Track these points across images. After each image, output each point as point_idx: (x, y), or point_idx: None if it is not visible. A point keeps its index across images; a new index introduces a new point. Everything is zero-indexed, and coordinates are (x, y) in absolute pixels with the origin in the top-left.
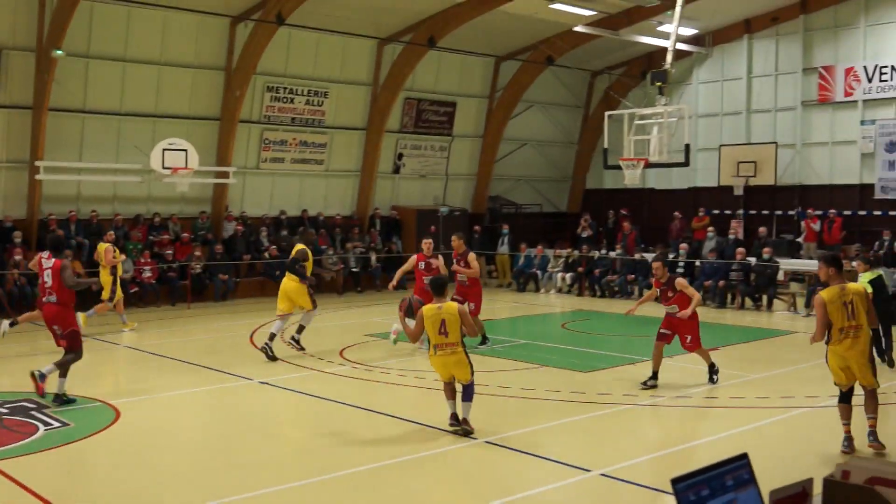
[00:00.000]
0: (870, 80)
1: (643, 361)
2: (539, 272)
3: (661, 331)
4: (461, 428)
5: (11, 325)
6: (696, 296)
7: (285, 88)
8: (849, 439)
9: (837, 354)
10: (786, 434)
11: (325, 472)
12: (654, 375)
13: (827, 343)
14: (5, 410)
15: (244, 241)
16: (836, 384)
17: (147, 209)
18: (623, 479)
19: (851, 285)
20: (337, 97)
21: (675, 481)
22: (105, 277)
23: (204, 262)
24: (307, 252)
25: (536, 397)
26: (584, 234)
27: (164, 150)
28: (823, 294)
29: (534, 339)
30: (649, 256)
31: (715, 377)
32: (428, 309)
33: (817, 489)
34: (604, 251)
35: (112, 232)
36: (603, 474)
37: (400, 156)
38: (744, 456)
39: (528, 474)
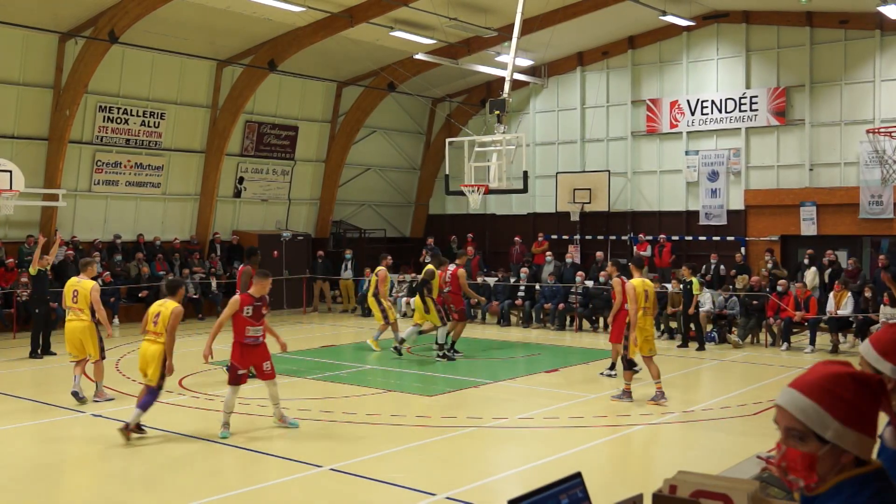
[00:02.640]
0: (692, 113)
1: (487, 384)
2: None
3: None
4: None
5: None
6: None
7: (119, 109)
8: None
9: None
10: (621, 451)
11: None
12: (613, 366)
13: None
14: None
15: (75, 266)
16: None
17: None
18: (467, 502)
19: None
20: (174, 119)
21: (512, 502)
22: None
23: (31, 289)
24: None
25: (382, 423)
26: (427, 260)
27: None
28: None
29: (379, 365)
30: (491, 280)
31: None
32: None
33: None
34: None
35: None
36: (448, 497)
37: (241, 179)
38: (577, 475)
39: (374, 500)
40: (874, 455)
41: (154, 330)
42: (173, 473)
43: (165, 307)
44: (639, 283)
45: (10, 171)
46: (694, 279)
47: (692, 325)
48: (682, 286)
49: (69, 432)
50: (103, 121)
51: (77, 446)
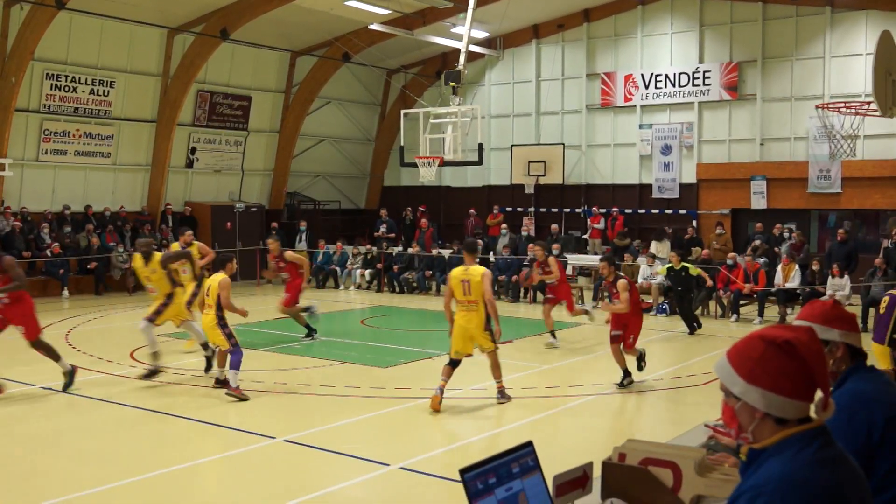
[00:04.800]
0: (647, 87)
1: (440, 356)
2: (338, 269)
3: (613, 332)
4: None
5: None
6: (626, 300)
7: (67, 76)
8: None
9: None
10: (572, 421)
11: (119, 479)
12: (627, 373)
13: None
14: None
15: (23, 238)
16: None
17: None
18: (421, 472)
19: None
20: (124, 88)
21: (463, 471)
22: None
23: None
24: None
25: (336, 394)
26: (381, 231)
27: None
28: None
29: (333, 336)
30: (446, 252)
31: (643, 363)
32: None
33: (597, 472)
34: (401, 248)
35: None
36: (402, 467)
37: (193, 150)
38: (528, 444)
39: (327, 471)
40: None
41: (207, 303)
42: (122, 444)
43: (214, 280)
44: (458, 271)
45: None
46: (688, 265)
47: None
48: (674, 274)
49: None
50: (51, 88)
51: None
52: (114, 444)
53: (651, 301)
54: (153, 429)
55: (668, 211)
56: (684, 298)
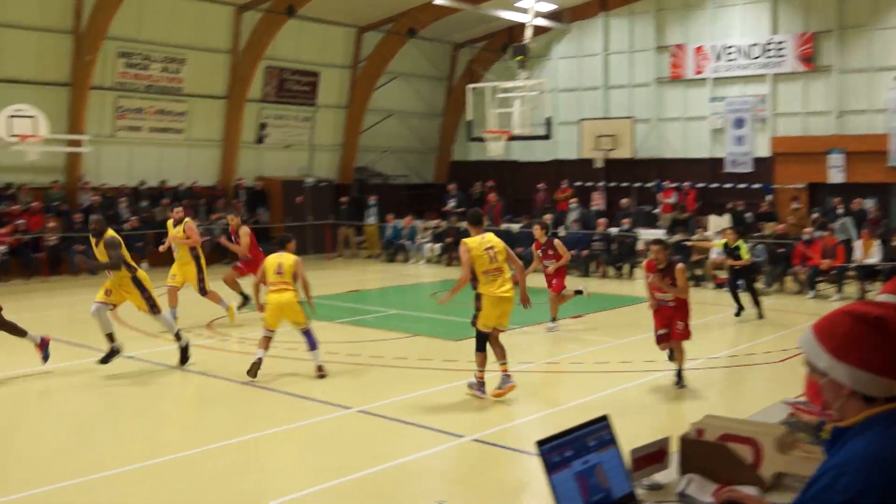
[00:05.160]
0: (718, 59)
1: (512, 329)
2: (408, 243)
3: (659, 332)
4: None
5: None
6: (686, 286)
7: (139, 54)
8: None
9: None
10: (647, 396)
11: (199, 445)
12: (679, 375)
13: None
14: None
15: (102, 212)
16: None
17: None
18: (494, 444)
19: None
20: (195, 65)
21: (539, 443)
22: None
23: (59, 234)
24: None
25: (409, 366)
26: (450, 206)
27: (11, 116)
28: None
29: (404, 309)
30: (515, 227)
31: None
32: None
33: (675, 447)
34: None
35: None
36: (475, 439)
37: (263, 125)
38: (605, 418)
39: (401, 441)
40: None
41: (281, 280)
42: (208, 413)
43: (286, 259)
44: (475, 242)
45: (34, 117)
46: (741, 243)
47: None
48: (728, 252)
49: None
50: (124, 66)
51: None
52: (191, 411)
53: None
54: (227, 396)
55: (742, 185)
56: (738, 277)
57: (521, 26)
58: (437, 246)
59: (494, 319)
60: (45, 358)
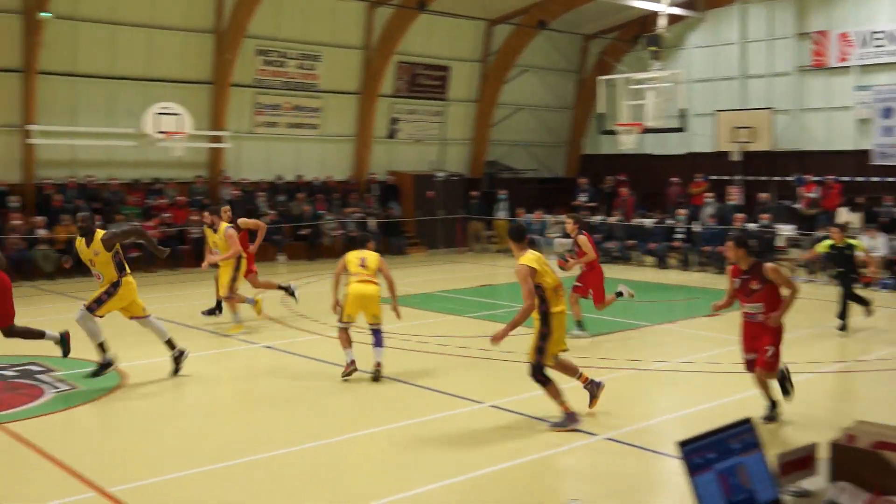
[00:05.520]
0: (864, 46)
1: (644, 327)
2: (538, 237)
3: (747, 357)
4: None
5: None
6: (795, 287)
7: (277, 52)
8: None
9: None
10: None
11: (339, 434)
12: (773, 405)
13: None
14: (12, 373)
15: (242, 205)
16: None
17: (142, 174)
18: (628, 443)
19: None
20: (330, 61)
21: (681, 444)
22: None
23: (203, 227)
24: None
25: None
26: (581, 200)
27: (158, 113)
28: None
29: None
30: (647, 222)
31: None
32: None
33: (823, 453)
34: (602, 217)
35: None
36: (609, 438)
37: (394, 120)
38: (748, 420)
39: (534, 438)
40: None
41: (366, 272)
42: (337, 404)
43: (370, 254)
44: (533, 259)
45: (179, 114)
46: (853, 241)
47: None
48: (837, 252)
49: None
50: (262, 64)
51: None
52: (329, 400)
53: (871, 275)
54: (362, 387)
55: (891, 179)
56: (844, 279)
57: (655, 15)
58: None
59: (562, 343)
60: (66, 353)
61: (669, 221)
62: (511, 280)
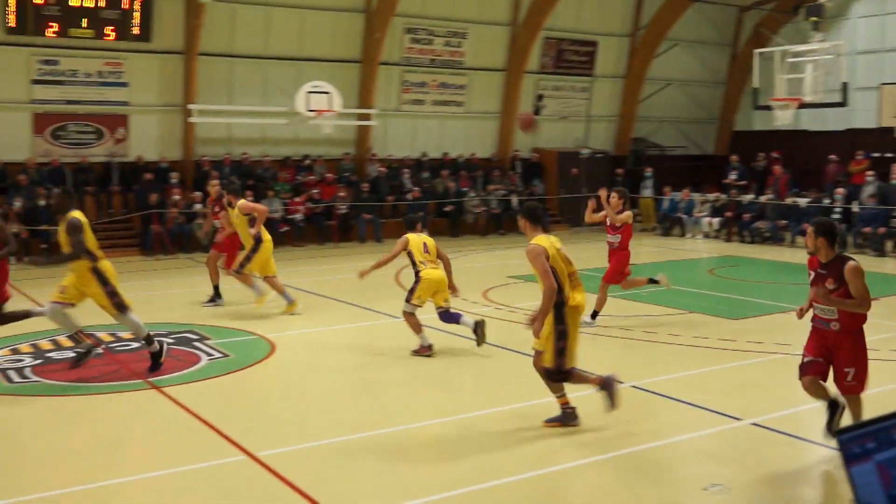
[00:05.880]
0: None
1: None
2: (685, 216)
3: (808, 359)
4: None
5: None
6: (866, 303)
7: (424, 30)
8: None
9: None
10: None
11: (475, 409)
12: (832, 404)
13: None
14: (171, 340)
15: (388, 182)
16: None
17: (293, 151)
18: (775, 429)
19: None
20: (476, 38)
21: (839, 432)
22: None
23: (349, 203)
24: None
25: (683, 343)
26: (731, 178)
27: (309, 92)
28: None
29: (680, 285)
30: (802, 201)
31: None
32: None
33: None
34: (753, 196)
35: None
36: (754, 423)
37: (540, 97)
38: None
39: (676, 420)
40: None
41: (430, 258)
42: (477, 379)
43: (427, 238)
44: (547, 242)
45: (329, 93)
46: None
47: None
48: None
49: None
50: (410, 42)
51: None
52: (467, 377)
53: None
54: (501, 364)
55: None
56: None
57: None
58: (716, 220)
59: (577, 340)
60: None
61: (826, 201)
62: (654, 260)
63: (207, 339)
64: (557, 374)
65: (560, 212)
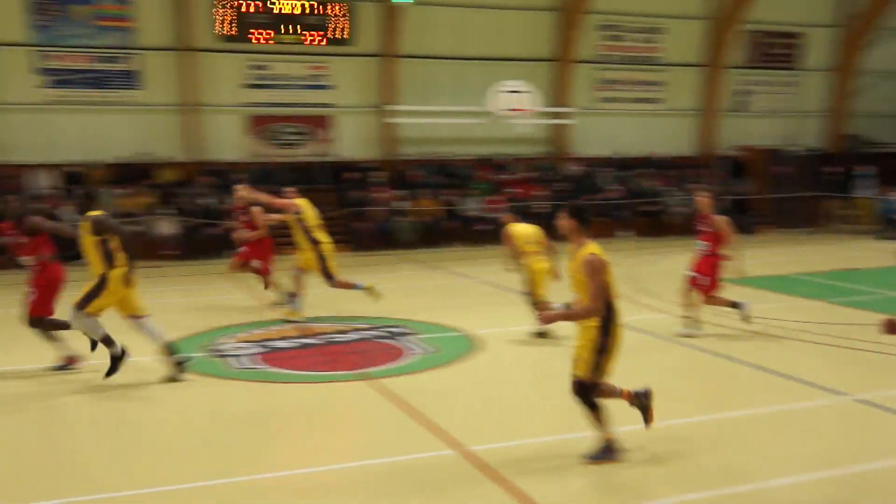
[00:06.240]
0: None
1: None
2: None
3: None
4: None
5: None
6: None
7: (618, 27)
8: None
9: None
10: None
11: (691, 415)
12: None
13: None
14: (382, 334)
15: (586, 181)
16: None
17: (489, 150)
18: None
19: None
20: (673, 33)
21: None
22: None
23: (549, 202)
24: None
25: None
26: None
27: (505, 92)
28: None
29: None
30: None
31: None
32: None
33: None
34: None
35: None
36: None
37: (742, 92)
38: None
39: None
40: None
41: (537, 250)
42: (672, 382)
43: (532, 228)
44: (600, 251)
45: (525, 92)
46: None
47: None
48: None
49: None
50: (603, 39)
51: None
52: (682, 382)
53: None
54: (707, 371)
55: None
56: None
57: None
58: None
59: (616, 358)
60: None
61: None
62: (875, 265)
63: (416, 333)
64: (589, 389)
65: (767, 212)
